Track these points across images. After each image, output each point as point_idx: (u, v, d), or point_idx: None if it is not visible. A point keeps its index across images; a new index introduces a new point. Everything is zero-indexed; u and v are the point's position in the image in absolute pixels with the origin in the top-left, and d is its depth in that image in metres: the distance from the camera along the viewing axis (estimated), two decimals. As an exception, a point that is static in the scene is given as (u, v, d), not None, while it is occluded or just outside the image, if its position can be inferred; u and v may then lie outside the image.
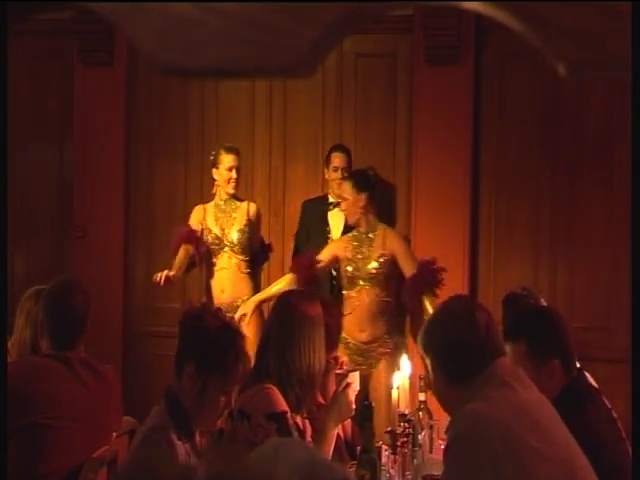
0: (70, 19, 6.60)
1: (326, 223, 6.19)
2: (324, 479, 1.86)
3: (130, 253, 6.97)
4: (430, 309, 5.36)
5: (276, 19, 1.18)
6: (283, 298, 3.74)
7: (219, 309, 3.23)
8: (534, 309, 4.00)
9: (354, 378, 3.63)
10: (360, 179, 5.76)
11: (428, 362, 2.82)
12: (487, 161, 6.45)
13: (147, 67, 6.56)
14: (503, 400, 2.68)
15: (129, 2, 1.22)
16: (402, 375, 4.02)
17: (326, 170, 6.30)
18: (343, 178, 5.95)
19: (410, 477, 3.66)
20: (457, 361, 2.75)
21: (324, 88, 6.66)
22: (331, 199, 6.21)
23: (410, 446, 3.73)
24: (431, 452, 3.99)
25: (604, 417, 3.34)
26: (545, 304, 4.44)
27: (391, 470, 3.62)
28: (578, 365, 3.44)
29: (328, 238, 6.15)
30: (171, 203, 6.91)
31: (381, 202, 6.17)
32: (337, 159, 6.17)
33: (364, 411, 3.48)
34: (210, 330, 3.05)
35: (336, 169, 6.17)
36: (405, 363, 4.18)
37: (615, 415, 3.37)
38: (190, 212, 6.18)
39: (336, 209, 6.16)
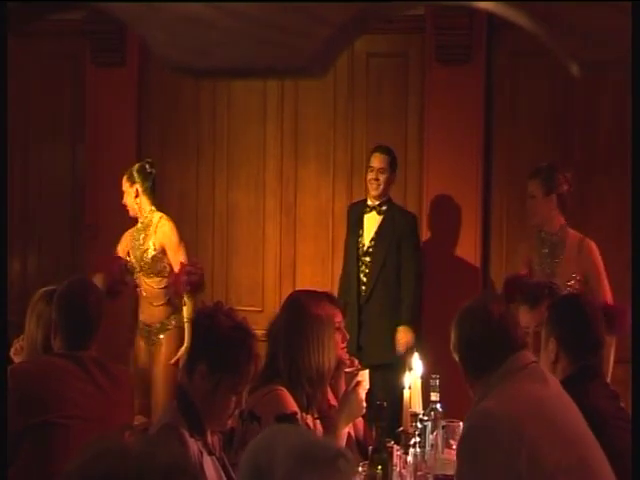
0: (82, 20, 6.61)
1: (360, 226, 6.11)
2: (318, 457, 1.88)
3: (142, 253, 6.97)
4: None
5: (288, 19, 1.18)
6: (292, 297, 3.73)
7: (232, 309, 3.22)
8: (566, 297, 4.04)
9: (364, 377, 3.62)
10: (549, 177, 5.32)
11: (457, 358, 2.93)
12: (499, 160, 6.43)
13: (159, 67, 6.56)
14: (516, 397, 2.69)
15: (141, 2, 1.23)
16: (414, 375, 4.00)
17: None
18: (533, 175, 5.40)
19: (422, 477, 3.65)
20: (473, 358, 2.82)
21: (335, 88, 6.65)
22: (369, 202, 6.08)
23: (422, 446, 3.72)
24: (443, 452, 3.97)
25: (607, 394, 3.37)
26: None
27: (403, 470, 3.61)
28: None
29: (359, 242, 6.08)
30: (183, 202, 6.91)
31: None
32: (375, 159, 6.02)
33: (376, 411, 3.48)
34: (223, 330, 3.05)
35: (372, 169, 6.03)
36: (417, 363, 4.15)
37: (629, 413, 3.37)
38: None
39: (372, 212, 6.09)
